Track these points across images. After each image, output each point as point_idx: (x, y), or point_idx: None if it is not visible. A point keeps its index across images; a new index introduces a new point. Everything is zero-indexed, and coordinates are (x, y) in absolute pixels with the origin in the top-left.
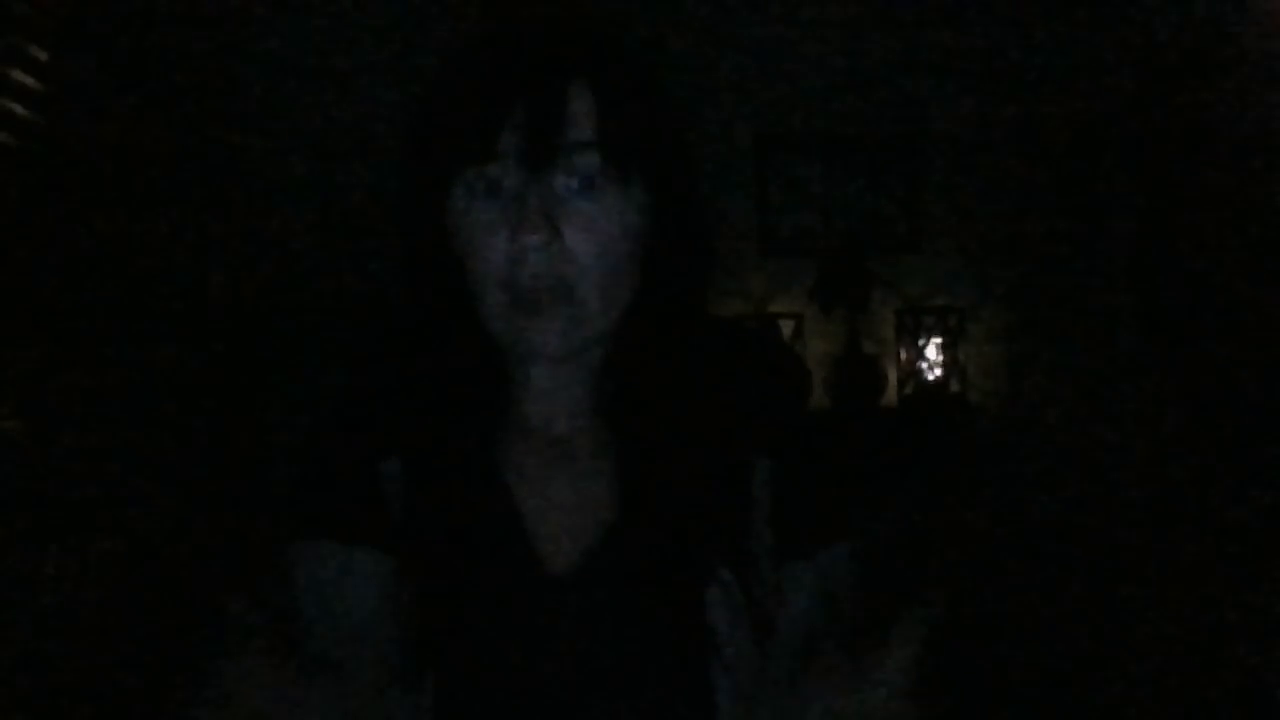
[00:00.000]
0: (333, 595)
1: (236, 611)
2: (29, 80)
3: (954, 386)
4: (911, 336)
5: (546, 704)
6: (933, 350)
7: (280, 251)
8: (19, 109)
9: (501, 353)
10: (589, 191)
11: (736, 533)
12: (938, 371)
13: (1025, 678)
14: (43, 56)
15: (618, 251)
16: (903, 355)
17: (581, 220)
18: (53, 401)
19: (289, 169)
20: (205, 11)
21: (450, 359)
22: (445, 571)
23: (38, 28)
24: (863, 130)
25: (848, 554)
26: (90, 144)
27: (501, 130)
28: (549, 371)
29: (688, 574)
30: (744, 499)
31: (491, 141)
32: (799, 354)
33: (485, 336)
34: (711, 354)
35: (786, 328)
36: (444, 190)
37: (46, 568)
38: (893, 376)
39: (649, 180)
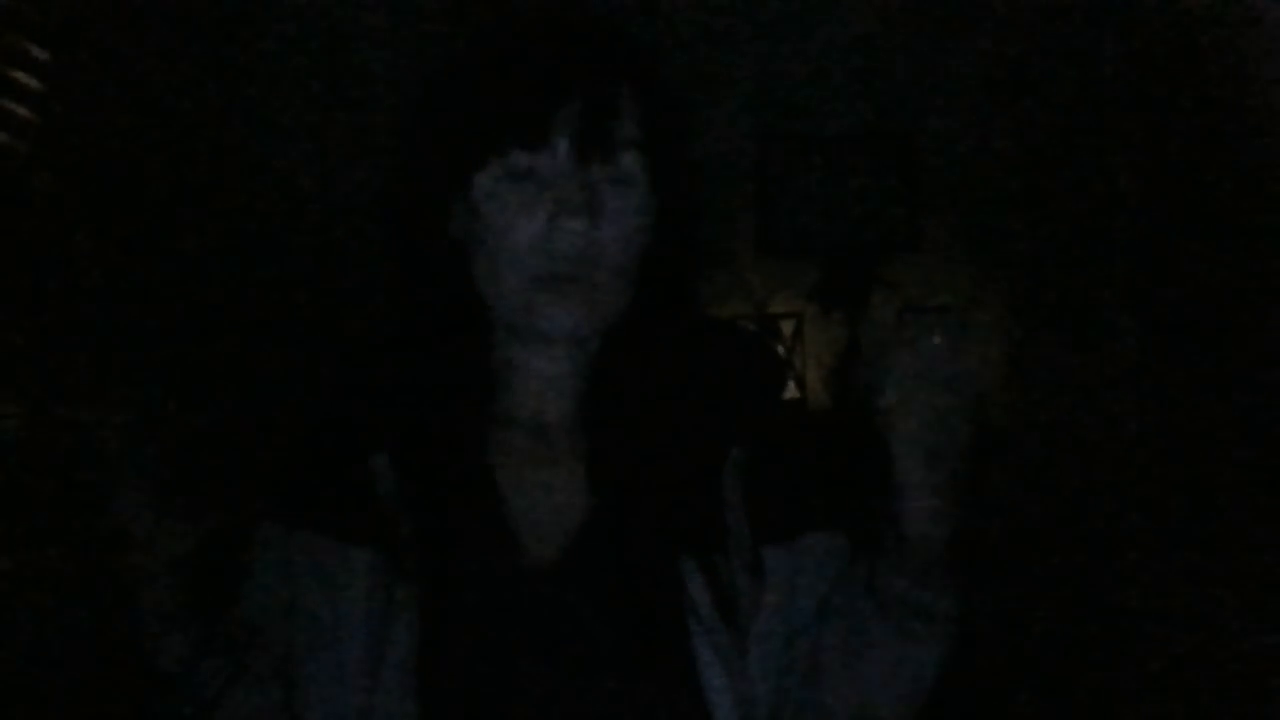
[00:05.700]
0: (323, 590)
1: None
2: (29, 80)
3: None
4: None
5: (531, 696)
6: None
7: (279, 249)
8: (19, 109)
9: (495, 340)
10: (620, 186)
11: (710, 521)
12: None
13: (1025, 677)
14: (43, 56)
15: (637, 244)
16: None
17: (613, 212)
18: (53, 401)
19: (288, 167)
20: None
21: (441, 350)
22: (433, 566)
23: (38, 28)
24: (863, 130)
25: (828, 543)
26: (90, 144)
27: (555, 119)
28: (549, 359)
29: (661, 566)
30: (717, 488)
31: (545, 129)
32: (773, 346)
33: (482, 323)
34: (690, 349)
35: (786, 328)
36: (468, 174)
37: (47, 565)
38: None
39: (662, 181)
